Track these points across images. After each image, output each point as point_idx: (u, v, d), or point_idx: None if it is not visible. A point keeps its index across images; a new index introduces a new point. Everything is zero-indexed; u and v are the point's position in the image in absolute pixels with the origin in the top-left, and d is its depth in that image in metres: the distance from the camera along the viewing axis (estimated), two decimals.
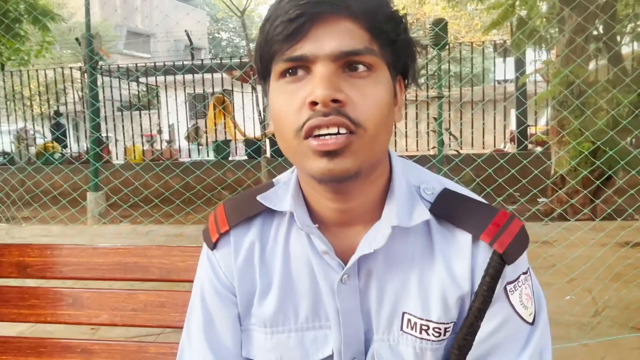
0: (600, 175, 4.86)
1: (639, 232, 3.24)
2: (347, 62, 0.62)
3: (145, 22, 25.54)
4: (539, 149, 8.34)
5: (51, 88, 10.69)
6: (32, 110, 11.05)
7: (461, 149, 9.48)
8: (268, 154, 8.25)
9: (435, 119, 5.98)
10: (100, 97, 8.14)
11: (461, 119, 9.29)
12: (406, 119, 9.16)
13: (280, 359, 0.74)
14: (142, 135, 10.02)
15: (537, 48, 7.49)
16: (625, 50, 6.96)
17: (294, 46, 0.62)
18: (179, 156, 9.43)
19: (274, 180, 0.80)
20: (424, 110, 10.35)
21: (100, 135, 6.06)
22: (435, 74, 6.50)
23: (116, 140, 9.91)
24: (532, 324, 0.70)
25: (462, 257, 0.70)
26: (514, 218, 0.70)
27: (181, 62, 9.11)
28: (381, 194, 0.71)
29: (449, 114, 8.83)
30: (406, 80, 0.71)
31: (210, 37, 31.70)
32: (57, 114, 10.72)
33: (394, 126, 0.71)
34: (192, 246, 1.21)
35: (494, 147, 8.73)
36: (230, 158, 8.81)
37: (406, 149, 9.30)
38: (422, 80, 8.68)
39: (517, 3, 6.80)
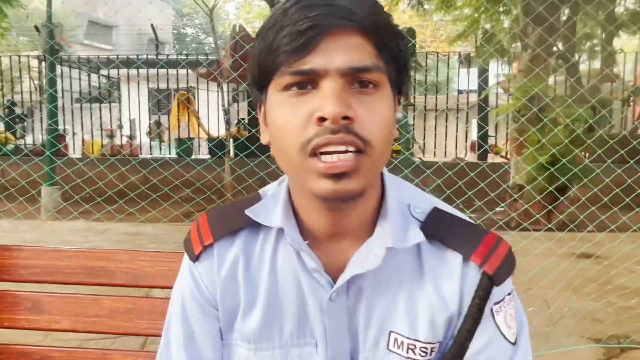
0: (557, 187, 5.01)
1: (595, 245, 3.34)
2: (355, 78, 0.61)
3: (107, 12, 24.86)
4: (498, 159, 8.56)
5: (6, 76, 10.26)
6: None
7: (424, 155, 9.64)
8: (232, 154, 8.16)
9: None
10: (59, 87, 7.86)
11: (424, 127, 9.43)
12: None
13: None
14: (101, 129, 9.74)
15: (500, 61, 7.69)
16: (582, 67, 7.23)
17: (303, 59, 0.60)
18: (139, 152, 9.19)
19: (260, 192, 0.78)
20: None
21: (57, 127, 5.83)
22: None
23: (74, 133, 9.59)
24: (514, 343, 0.71)
25: (451, 277, 0.70)
26: (502, 240, 0.71)
27: (146, 56, 8.91)
28: (374, 210, 0.70)
29: (413, 121, 8.95)
30: (400, 96, 0.70)
31: (175, 32, 31.17)
32: (13, 103, 10.29)
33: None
34: (161, 251, 1.16)
35: (456, 155, 8.89)
36: (192, 156, 8.65)
37: None
38: None
39: (483, 17, 6.97)
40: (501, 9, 6.66)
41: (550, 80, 6.33)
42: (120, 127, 9.66)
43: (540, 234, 3.61)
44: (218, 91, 8.34)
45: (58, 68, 7.50)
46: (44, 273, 1.14)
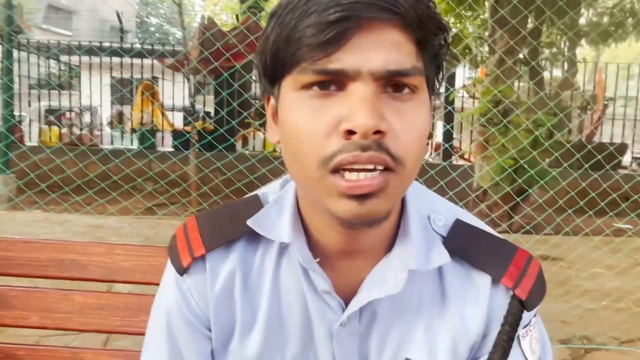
0: (518, 191, 5.14)
1: (553, 248, 3.45)
2: (389, 82, 0.53)
3: None
4: (462, 162, 8.71)
5: None
6: None
7: None
8: (196, 147, 8.01)
9: None
10: (16, 72, 7.54)
11: None
12: None
13: None
14: (59, 117, 9.39)
15: (467, 65, 7.83)
16: (545, 74, 7.44)
17: (331, 56, 0.50)
18: (99, 142, 8.92)
19: (259, 194, 0.68)
20: None
21: (13, 118, 5.58)
22: None
23: (30, 120, 9.23)
24: None
25: (477, 301, 0.63)
26: (532, 258, 0.65)
27: (109, 44, 8.65)
28: (394, 225, 0.63)
29: None
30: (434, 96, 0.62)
31: (139, 21, 30.42)
32: None
33: None
34: (137, 245, 1.12)
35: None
36: (155, 148, 8.45)
37: None
38: None
39: (452, 20, 7.08)
40: (469, 13, 6.79)
41: (515, 85, 6.49)
42: (80, 115, 9.34)
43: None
44: (184, 83, 8.18)
45: (15, 52, 7.19)
46: (9, 265, 1.08)
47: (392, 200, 0.55)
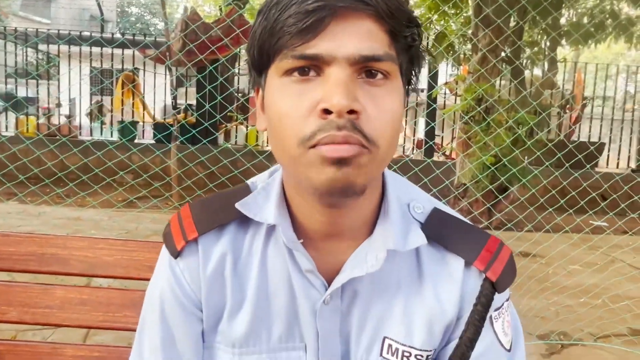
0: (499, 189, 5.20)
1: (533, 245, 3.49)
2: (363, 67, 0.57)
3: None
4: (443, 158, 8.78)
5: None
6: None
7: None
8: (179, 141, 7.92)
9: None
10: None
11: None
12: None
13: None
14: (37, 107, 9.21)
15: (450, 63, 7.88)
16: (526, 72, 7.52)
17: (308, 43, 0.55)
18: (78, 133, 8.76)
19: (249, 183, 0.73)
20: None
21: None
22: None
23: (6, 110, 9.03)
24: (509, 350, 0.69)
25: (452, 282, 0.67)
26: (504, 244, 0.69)
27: (89, 33, 8.49)
28: (374, 209, 0.67)
29: None
30: (407, 88, 0.66)
31: (119, 10, 29.93)
32: None
33: None
34: (120, 239, 1.10)
35: (403, 151, 9.05)
36: (136, 141, 8.35)
37: None
38: None
39: (436, 17, 7.10)
40: (453, 10, 6.82)
41: (497, 83, 6.55)
42: (59, 105, 9.16)
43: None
44: (165, 75, 8.08)
45: None
46: None
47: (367, 175, 0.58)
